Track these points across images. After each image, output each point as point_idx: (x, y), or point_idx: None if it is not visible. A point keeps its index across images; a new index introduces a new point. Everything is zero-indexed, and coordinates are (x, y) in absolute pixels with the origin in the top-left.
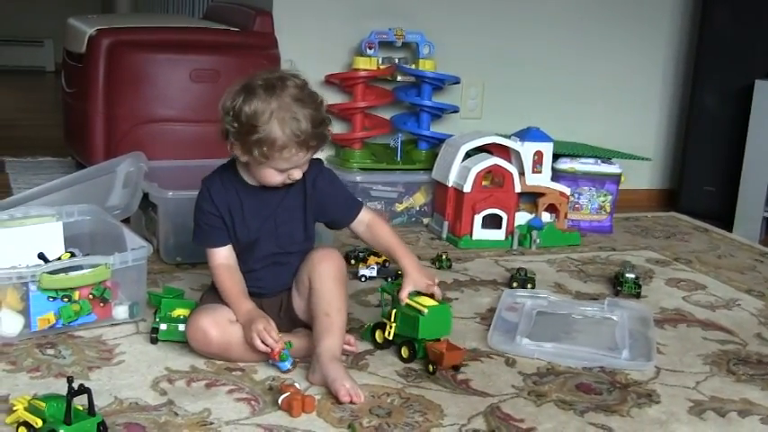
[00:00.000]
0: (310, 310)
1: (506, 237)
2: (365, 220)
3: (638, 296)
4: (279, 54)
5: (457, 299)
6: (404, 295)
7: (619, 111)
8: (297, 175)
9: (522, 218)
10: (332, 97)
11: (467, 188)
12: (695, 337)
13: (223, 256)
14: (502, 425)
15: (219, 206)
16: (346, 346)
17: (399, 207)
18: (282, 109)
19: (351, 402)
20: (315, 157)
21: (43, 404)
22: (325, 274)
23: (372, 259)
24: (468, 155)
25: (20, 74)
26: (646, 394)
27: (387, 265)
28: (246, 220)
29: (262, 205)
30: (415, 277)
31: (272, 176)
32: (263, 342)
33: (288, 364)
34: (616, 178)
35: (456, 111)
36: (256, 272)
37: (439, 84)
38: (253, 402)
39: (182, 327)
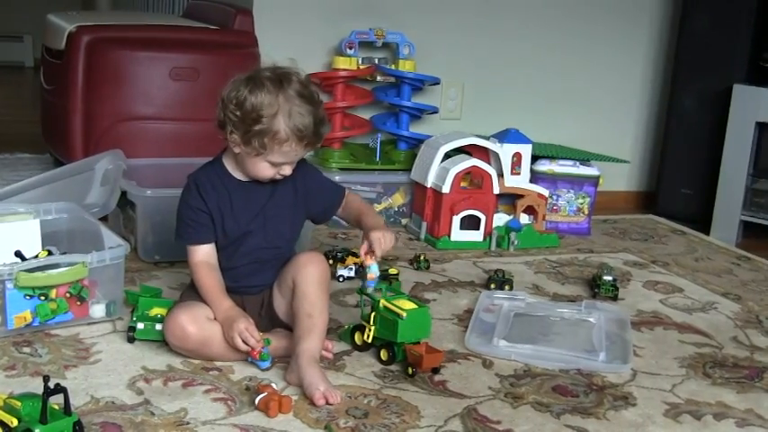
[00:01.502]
0: (292, 312)
1: (484, 238)
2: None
3: (615, 298)
4: (259, 53)
5: (435, 300)
6: (363, 250)
7: (598, 113)
8: (287, 171)
9: (501, 219)
10: None
11: (445, 189)
12: (672, 339)
13: (204, 253)
14: (478, 427)
15: (208, 201)
16: (323, 352)
17: (378, 207)
18: (288, 103)
19: (327, 403)
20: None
21: (19, 403)
22: (310, 277)
23: (350, 259)
24: (447, 156)
25: None
26: (622, 397)
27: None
28: (236, 215)
29: (251, 200)
30: (376, 234)
31: (264, 170)
32: (244, 342)
33: (268, 363)
34: (594, 180)
35: (435, 111)
36: (240, 268)
37: (419, 84)
38: (229, 402)
39: (159, 326)
